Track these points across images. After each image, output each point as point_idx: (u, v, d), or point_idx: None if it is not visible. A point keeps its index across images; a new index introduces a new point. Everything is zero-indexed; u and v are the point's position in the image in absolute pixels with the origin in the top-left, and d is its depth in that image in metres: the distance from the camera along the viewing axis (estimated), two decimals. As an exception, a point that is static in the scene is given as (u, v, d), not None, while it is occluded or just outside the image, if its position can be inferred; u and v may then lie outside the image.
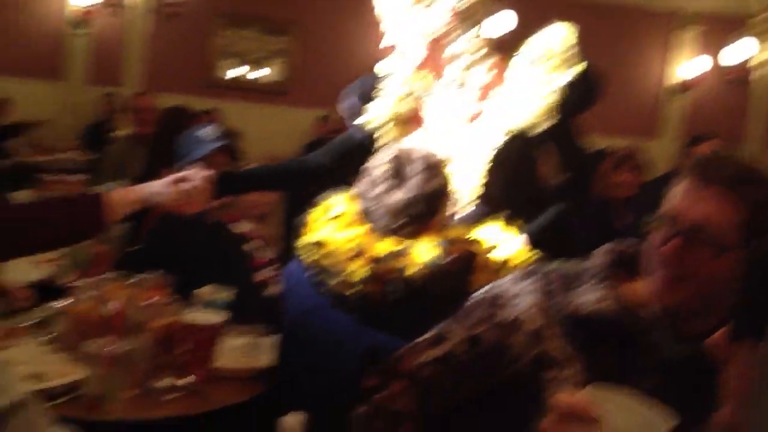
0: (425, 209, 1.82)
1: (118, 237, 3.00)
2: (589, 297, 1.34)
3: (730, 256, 1.19)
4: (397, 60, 2.22)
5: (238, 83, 8.89)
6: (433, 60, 2.16)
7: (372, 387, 1.48)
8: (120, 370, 1.71)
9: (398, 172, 1.83)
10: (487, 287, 1.49)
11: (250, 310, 2.32)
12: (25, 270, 2.67)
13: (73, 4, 8.23)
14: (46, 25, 8.25)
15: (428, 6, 2.07)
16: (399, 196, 1.81)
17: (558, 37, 2.04)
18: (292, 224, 2.01)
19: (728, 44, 9.18)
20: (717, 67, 9.49)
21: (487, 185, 2.13)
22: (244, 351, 2.06)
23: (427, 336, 1.47)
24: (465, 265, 1.74)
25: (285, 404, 1.85)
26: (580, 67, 2.02)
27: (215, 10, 8.66)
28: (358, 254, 1.75)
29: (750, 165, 1.27)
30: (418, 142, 2.17)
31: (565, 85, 2.02)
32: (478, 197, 2.14)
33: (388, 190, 1.82)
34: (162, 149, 2.88)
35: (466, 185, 2.14)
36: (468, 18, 2.11)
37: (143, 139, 4.32)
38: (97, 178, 4.64)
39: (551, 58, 2.02)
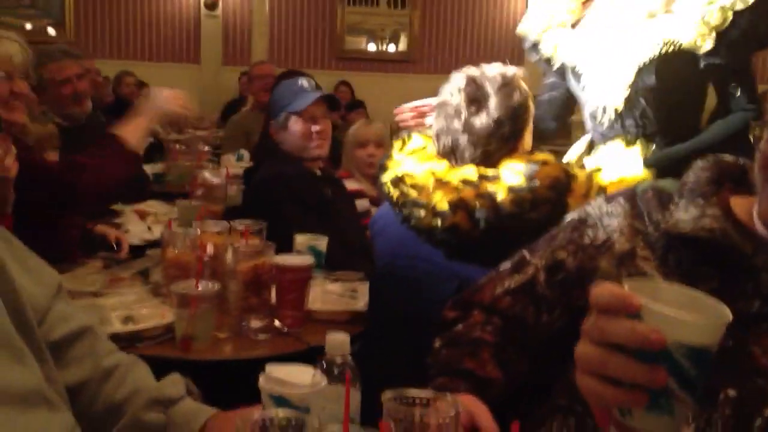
0: (514, 127, 1.71)
1: (231, 197, 3.05)
2: (687, 214, 1.18)
3: None
4: None
5: (364, 55, 9.00)
6: None
7: (452, 319, 1.40)
8: (210, 310, 1.72)
9: (474, 97, 1.71)
10: (576, 210, 1.37)
11: (355, 262, 2.29)
12: (139, 231, 2.78)
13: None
14: (182, 10, 8.59)
15: None
16: (483, 120, 1.70)
17: None
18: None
19: None
20: None
21: (629, 99, 1.99)
22: (341, 295, 2.04)
23: (507, 264, 1.37)
24: (560, 189, 1.61)
25: (373, 345, 1.80)
26: None
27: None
28: (442, 184, 1.66)
29: None
30: (573, 46, 2.11)
31: (740, 11, 1.85)
32: (617, 110, 2.00)
33: (468, 119, 1.71)
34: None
35: (607, 97, 2.01)
36: None
37: (264, 106, 4.34)
38: (227, 149, 4.78)
39: None
